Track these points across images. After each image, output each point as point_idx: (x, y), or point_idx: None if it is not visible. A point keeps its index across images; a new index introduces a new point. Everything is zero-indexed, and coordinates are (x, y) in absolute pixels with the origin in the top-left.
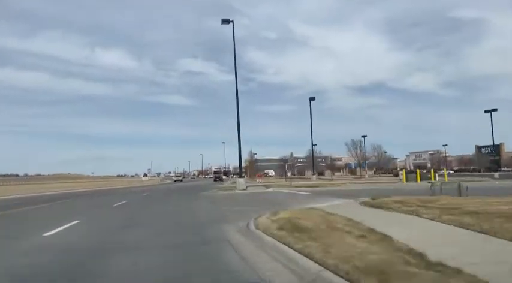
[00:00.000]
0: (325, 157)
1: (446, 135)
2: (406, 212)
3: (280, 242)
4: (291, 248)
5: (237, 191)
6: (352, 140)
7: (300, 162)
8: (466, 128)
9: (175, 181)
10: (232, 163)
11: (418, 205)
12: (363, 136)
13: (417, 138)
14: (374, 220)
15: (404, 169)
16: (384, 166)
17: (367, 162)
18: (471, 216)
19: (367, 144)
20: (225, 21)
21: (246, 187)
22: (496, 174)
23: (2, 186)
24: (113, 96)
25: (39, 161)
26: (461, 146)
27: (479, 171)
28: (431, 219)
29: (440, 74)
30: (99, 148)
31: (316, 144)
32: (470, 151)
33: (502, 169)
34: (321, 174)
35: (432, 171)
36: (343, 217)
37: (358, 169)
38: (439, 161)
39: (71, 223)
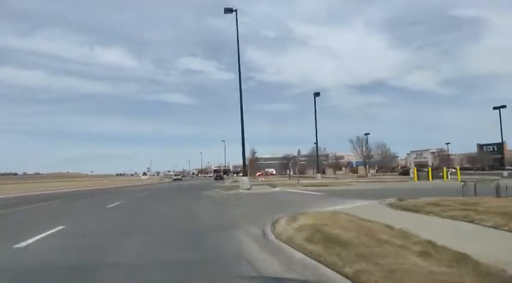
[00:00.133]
0: (327, 156)
1: (446, 134)
2: (453, 218)
3: (318, 261)
4: (339, 273)
5: (241, 191)
6: (358, 137)
7: (301, 161)
8: (466, 126)
9: (174, 180)
10: (232, 161)
11: (462, 209)
12: (366, 134)
13: (417, 136)
14: (421, 228)
15: (415, 168)
16: (387, 164)
17: (372, 160)
18: None
19: (370, 142)
20: (228, 11)
21: (251, 186)
22: (505, 173)
23: None
24: (113, 94)
25: (39, 160)
26: (462, 144)
27: (483, 170)
28: (493, 227)
29: (440, 72)
30: (99, 147)
31: (316, 142)
32: (470, 149)
33: (506, 167)
34: (322, 172)
35: (444, 169)
36: (380, 224)
37: (362, 167)
38: (442, 159)
39: (52, 230)
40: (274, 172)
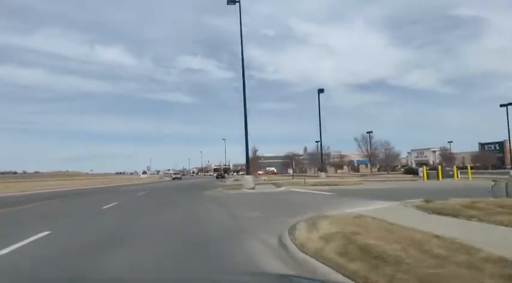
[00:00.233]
0: (328, 154)
1: (446, 133)
2: (504, 223)
3: None
4: None
5: (244, 190)
6: (362, 135)
7: (302, 159)
8: (466, 125)
9: (173, 178)
10: (233, 160)
11: (507, 213)
12: (368, 132)
13: (417, 135)
14: (476, 238)
15: (424, 167)
16: (390, 163)
17: (377, 158)
18: None
19: (373, 140)
20: (231, 2)
21: (254, 185)
22: None
23: None
24: (113, 93)
25: (39, 158)
26: (462, 143)
27: (486, 169)
28: None
29: (440, 71)
30: (99, 146)
31: (318, 141)
32: (470, 148)
33: (507, 166)
34: (323, 171)
35: (455, 168)
36: (422, 232)
37: (363, 166)
38: (445, 158)
39: (35, 237)
40: (275, 171)
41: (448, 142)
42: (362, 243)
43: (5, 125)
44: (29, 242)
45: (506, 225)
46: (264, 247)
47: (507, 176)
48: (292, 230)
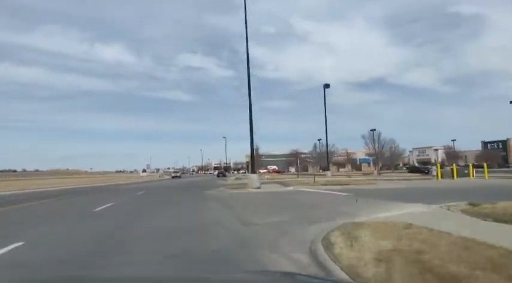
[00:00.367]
0: (331, 152)
1: (446, 131)
2: None
3: None
4: None
5: (250, 190)
6: (369, 132)
7: (306, 157)
8: (467, 123)
9: (172, 177)
10: (233, 159)
11: None
12: (372, 130)
13: (418, 134)
14: None
15: (438, 164)
16: (395, 161)
17: (385, 156)
18: None
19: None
20: None
21: (260, 185)
22: None
23: None
24: (113, 91)
25: (38, 157)
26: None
27: (491, 167)
28: None
29: (440, 69)
30: (99, 144)
31: (320, 139)
32: (472, 146)
33: (510, 165)
34: (325, 169)
35: (470, 166)
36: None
37: (366, 164)
38: (450, 156)
39: (4, 250)
40: (277, 169)
41: (452, 140)
42: (444, 271)
43: (5, 123)
44: None
45: None
46: (292, 266)
47: None
48: (327, 244)
